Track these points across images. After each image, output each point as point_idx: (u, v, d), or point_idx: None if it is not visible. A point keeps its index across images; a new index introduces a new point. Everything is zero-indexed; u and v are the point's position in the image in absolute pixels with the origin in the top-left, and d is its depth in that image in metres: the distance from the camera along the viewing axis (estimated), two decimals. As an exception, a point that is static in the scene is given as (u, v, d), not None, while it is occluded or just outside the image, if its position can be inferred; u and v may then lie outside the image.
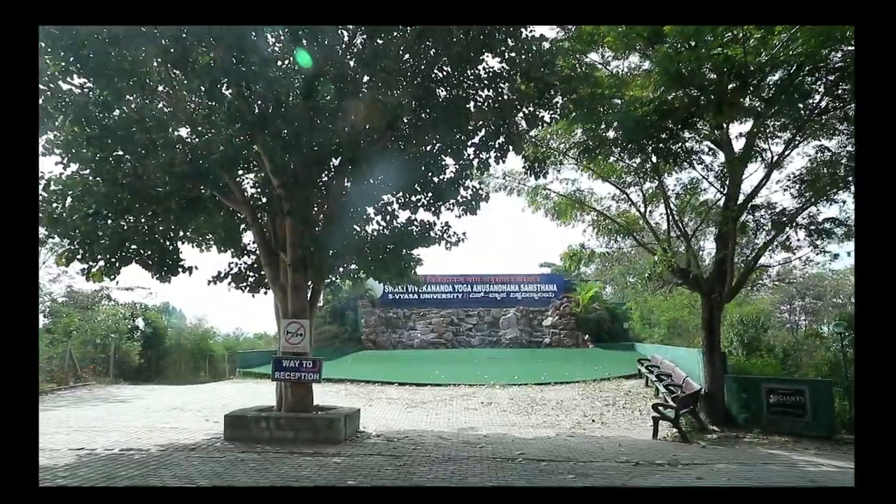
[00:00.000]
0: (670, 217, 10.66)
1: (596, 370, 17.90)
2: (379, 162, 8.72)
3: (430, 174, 9.38)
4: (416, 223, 9.56)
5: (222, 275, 9.05)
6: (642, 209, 11.74)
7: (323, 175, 8.35)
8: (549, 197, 12.27)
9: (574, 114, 9.17)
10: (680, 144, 9.17)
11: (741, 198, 9.69)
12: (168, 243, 8.61)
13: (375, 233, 9.43)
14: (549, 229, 75.21)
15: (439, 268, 36.24)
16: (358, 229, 9.52)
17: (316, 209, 8.39)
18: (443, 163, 9.53)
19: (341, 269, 9.11)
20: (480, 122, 8.95)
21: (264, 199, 8.67)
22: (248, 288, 9.28)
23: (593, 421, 10.40)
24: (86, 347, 19.33)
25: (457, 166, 9.68)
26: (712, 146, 10.09)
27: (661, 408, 8.88)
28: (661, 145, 8.84)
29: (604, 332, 26.19)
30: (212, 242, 9.70)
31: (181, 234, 8.79)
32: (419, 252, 9.99)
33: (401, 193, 9.38)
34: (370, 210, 9.55)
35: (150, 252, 8.38)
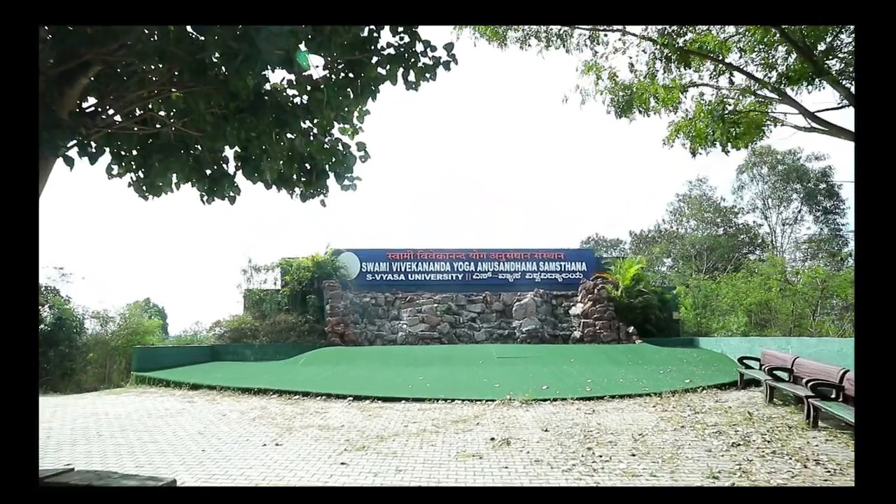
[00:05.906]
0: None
1: (662, 376, 12.30)
2: None
3: None
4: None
5: None
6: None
7: None
8: (623, 46, 6.66)
9: None
10: None
11: None
12: None
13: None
14: (566, 212, 69.46)
15: (432, 241, 30.29)
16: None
17: None
18: None
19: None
20: None
21: None
22: None
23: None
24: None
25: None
26: None
27: None
28: None
29: (650, 324, 20.45)
30: None
31: None
32: (355, 107, 4.51)
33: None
34: None
35: None
